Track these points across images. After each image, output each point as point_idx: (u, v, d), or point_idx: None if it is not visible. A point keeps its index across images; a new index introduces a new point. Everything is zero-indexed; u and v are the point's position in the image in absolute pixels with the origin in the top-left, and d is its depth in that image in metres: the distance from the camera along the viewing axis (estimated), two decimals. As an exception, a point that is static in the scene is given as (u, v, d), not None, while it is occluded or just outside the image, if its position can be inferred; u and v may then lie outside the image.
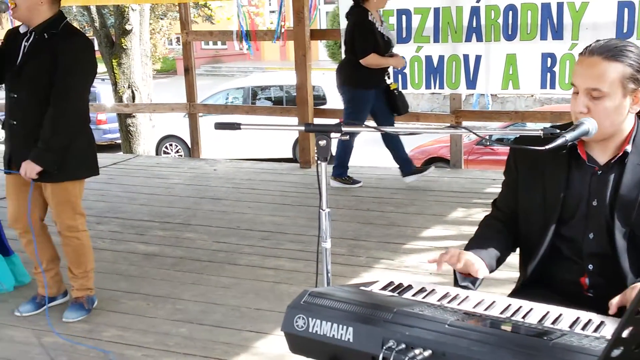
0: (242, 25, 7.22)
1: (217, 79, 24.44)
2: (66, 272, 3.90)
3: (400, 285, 1.99)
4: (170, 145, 13.35)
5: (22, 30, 3.56)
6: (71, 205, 3.69)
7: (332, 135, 2.07)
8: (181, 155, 13.00)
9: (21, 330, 3.70)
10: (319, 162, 2.06)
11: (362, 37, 5.72)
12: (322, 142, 2.02)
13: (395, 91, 5.98)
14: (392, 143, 6.06)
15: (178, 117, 12.35)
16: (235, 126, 1.98)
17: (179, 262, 4.64)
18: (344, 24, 6.13)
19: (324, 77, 13.18)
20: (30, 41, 3.51)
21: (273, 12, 25.17)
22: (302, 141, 7.28)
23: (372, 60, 5.73)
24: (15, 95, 3.53)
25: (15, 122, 3.56)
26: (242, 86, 13.88)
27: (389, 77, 6.00)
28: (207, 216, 5.67)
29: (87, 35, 3.78)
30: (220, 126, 2.04)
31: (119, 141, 13.48)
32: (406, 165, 6.17)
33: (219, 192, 6.43)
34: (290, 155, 12.59)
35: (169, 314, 3.85)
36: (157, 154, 12.88)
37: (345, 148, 6.13)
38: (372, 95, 5.90)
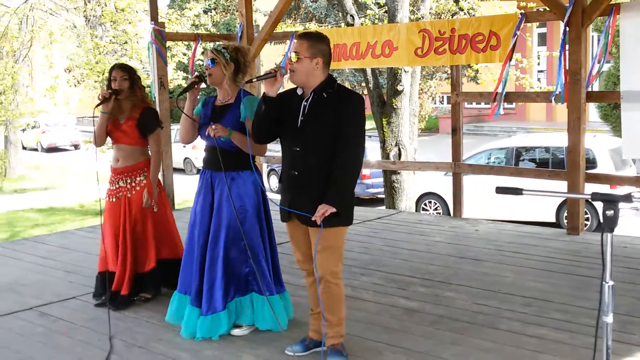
0: (501, 88, 7.15)
1: (479, 138, 24.38)
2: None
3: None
4: (430, 202, 13.52)
5: (299, 92, 3.91)
6: (338, 251, 3.90)
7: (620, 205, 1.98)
8: (439, 213, 13.09)
9: (291, 369, 3.96)
10: (604, 232, 1.98)
11: None
12: (610, 212, 1.95)
13: None
14: None
15: (438, 175, 12.49)
16: (517, 191, 1.99)
17: (439, 320, 4.65)
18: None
19: (595, 140, 12.54)
20: (310, 101, 3.84)
21: (541, 71, 24.60)
22: (571, 206, 6.97)
23: None
24: (298, 149, 3.86)
25: (296, 173, 3.88)
26: (505, 146, 13.66)
27: None
28: (468, 276, 5.64)
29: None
30: (501, 191, 2.05)
31: (380, 196, 13.95)
32: None
33: (480, 253, 6.37)
34: (551, 219, 12.09)
35: (428, 371, 3.88)
36: (416, 210, 13.10)
37: None
38: None
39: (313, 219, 3.72)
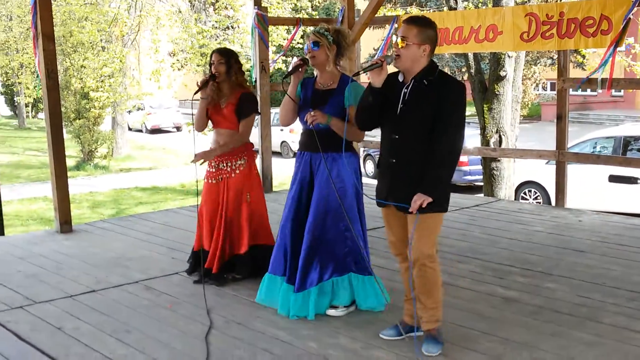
0: (600, 70, 6.84)
1: (583, 127, 23.52)
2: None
3: None
4: (529, 191, 13.16)
5: (400, 78, 3.86)
6: (433, 234, 3.87)
7: None
8: (539, 202, 12.74)
9: (386, 352, 3.96)
10: None
11: None
12: None
13: None
14: None
15: (538, 163, 12.13)
16: (631, 180, 1.90)
17: (538, 311, 4.54)
18: None
19: None
20: (410, 88, 3.79)
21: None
22: (683, 199, 6.64)
23: None
24: (397, 137, 3.83)
25: (394, 161, 3.85)
26: (612, 135, 13.05)
27: None
28: (570, 268, 5.47)
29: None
30: (615, 179, 1.97)
31: (477, 183, 13.68)
32: None
33: (583, 244, 6.16)
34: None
35: (527, 362, 3.79)
36: (515, 198, 12.80)
37: None
38: None
39: (410, 210, 3.72)
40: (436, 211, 3.81)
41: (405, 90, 3.79)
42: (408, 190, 3.75)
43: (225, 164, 5.19)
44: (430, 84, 3.74)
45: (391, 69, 3.81)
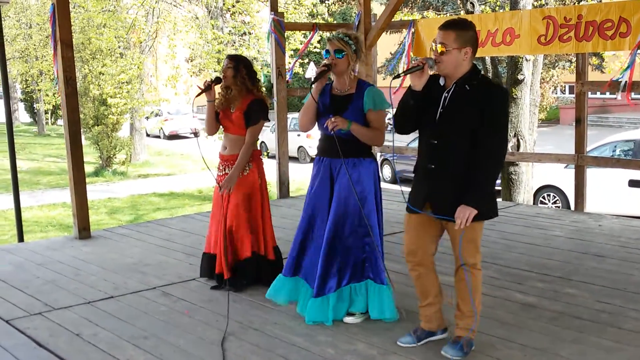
0: (623, 76, 6.77)
1: (602, 130, 23.32)
2: (448, 310, 4.05)
3: None
4: (548, 195, 13.07)
5: (441, 82, 3.80)
6: (475, 244, 3.84)
7: None
8: (558, 207, 12.64)
9: (403, 359, 3.93)
10: None
11: None
12: None
13: None
14: None
15: (556, 167, 12.04)
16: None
17: (558, 317, 4.50)
18: None
19: None
20: (451, 93, 3.74)
21: (673, 60, 23.23)
22: None
23: None
24: (436, 142, 3.78)
25: (433, 167, 3.80)
26: (632, 139, 12.95)
27: None
28: (590, 273, 5.41)
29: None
30: (635, 184, 1.94)
31: (496, 187, 13.57)
32: None
33: (603, 249, 6.10)
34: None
35: (546, 369, 3.75)
36: (533, 203, 12.72)
37: None
38: None
39: (456, 227, 3.66)
40: (480, 219, 3.76)
41: (446, 94, 3.74)
42: (448, 197, 3.71)
43: (231, 169, 5.14)
44: (472, 88, 3.69)
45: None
